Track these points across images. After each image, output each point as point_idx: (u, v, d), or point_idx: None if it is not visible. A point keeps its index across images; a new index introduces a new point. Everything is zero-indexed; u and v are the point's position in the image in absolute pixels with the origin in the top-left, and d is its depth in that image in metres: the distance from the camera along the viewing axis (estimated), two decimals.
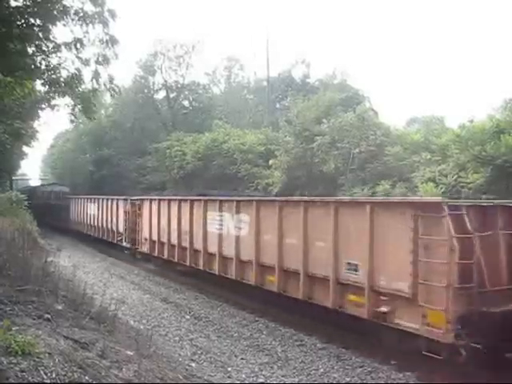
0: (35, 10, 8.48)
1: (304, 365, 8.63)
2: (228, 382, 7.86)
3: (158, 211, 17.32)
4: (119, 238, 21.96)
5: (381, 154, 21.65)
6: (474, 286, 7.43)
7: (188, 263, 15.19)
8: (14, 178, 43.58)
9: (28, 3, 8.55)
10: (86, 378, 4.21)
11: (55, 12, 8.41)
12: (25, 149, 29.72)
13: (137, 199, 20.08)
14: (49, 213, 37.36)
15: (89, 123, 39.33)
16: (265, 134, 33.16)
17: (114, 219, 22.84)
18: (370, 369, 8.27)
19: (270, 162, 27.66)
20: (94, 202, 26.72)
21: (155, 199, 18.21)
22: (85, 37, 8.75)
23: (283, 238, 10.89)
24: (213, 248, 13.68)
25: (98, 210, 25.66)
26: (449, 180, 17.38)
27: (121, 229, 21.82)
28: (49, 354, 4.38)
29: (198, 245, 14.44)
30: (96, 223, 26.23)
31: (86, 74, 9.48)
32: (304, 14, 79.62)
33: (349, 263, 9.04)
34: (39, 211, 37.97)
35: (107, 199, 24.49)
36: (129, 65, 45.51)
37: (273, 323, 11.14)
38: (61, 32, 8.99)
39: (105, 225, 24.58)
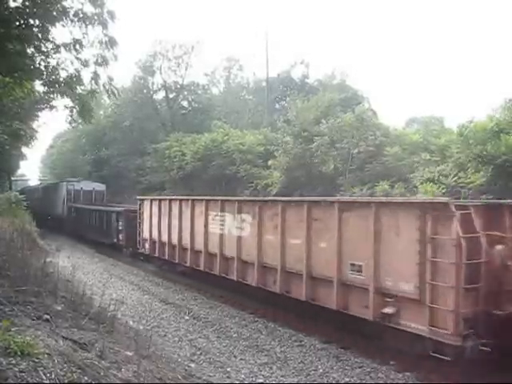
0: (34, 10, 8.47)
1: (303, 365, 8.63)
2: (227, 382, 7.87)
3: None
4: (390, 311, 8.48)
5: (380, 155, 21.66)
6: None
7: None
8: (13, 178, 43.37)
9: (27, 4, 8.54)
10: (85, 378, 4.20)
11: (54, 13, 8.40)
12: (24, 149, 29.55)
13: None
14: (76, 222, 29.80)
15: (88, 124, 39.07)
16: (264, 134, 33.13)
17: (359, 258, 9.15)
18: (369, 369, 8.28)
19: (270, 162, 27.64)
20: (245, 211, 12.70)
21: None
22: (84, 38, 8.75)
23: None
24: None
25: (260, 227, 11.92)
26: (449, 180, 17.41)
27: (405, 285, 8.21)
28: (48, 354, 4.37)
29: None
30: (242, 254, 12.74)
31: (86, 75, 9.50)
32: (303, 14, 79.59)
33: None
34: (59, 221, 32.34)
35: (318, 204, 10.62)
36: (128, 65, 45.57)
37: (272, 323, 11.14)
38: (60, 33, 9.01)
39: (296, 267, 10.72)
